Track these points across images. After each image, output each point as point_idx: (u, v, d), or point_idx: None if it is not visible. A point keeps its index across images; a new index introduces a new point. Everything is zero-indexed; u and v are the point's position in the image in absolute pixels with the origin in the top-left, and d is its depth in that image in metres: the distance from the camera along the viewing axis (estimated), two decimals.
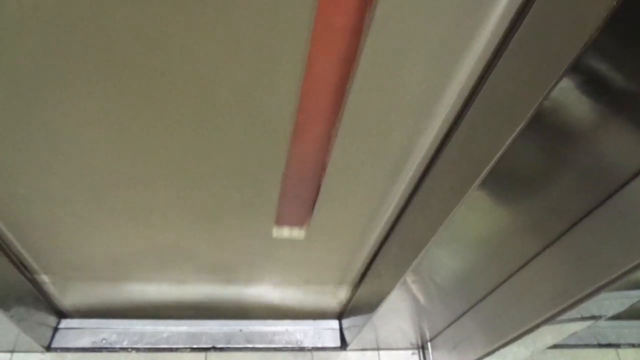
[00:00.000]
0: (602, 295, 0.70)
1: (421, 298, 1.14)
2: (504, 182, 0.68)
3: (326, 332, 1.49)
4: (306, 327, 1.48)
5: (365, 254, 1.14)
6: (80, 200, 0.85)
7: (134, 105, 0.65)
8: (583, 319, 0.81)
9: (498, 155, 0.60)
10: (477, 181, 0.65)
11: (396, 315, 1.25)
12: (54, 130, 0.69)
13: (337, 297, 1.38)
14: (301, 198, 0.91)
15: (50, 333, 1.32)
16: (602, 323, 0.83)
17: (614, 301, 0.77)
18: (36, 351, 1.30)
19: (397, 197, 0.91)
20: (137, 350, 1.36)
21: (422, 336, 1.45)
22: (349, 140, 0.74)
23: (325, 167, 0.80)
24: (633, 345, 1.63)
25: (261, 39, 0.56)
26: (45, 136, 0.70)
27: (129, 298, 1.28)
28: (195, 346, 1.38)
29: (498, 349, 1.01)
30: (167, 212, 0.91)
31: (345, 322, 1.49)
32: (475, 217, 0.78)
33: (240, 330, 1.43)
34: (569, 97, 0.52)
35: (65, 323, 1.35)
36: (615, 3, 0.41)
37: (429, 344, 1.47)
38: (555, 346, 1.43)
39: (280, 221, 0.97)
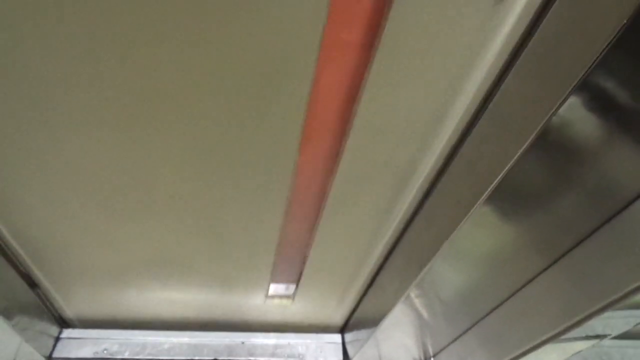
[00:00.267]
0: (608, 314, 0.69)
1: (425, 313, 1.14)
2: (510, 198, 0.68)
3: (328, 346, 1.48)
4: (308, 340, 1.47)
5: (370, 267, 1.14)
6: (84, 210, 0.85)
7: (138, 118, 0.66)
8: (588, 337, 0.80)
9: (504, 171, 0.60)
10: (483, 197, 0.65)
11: (399, 330, 1.24)
12: (59, 138, 0.69)
13: (339, 310, 1.37)
14: (305, 215, 0.91)
15: (52, 343, 1.31)
16: (607, 342, 0.82)
17: (620, 320, 0.76)
18: None
19: (403, 210, 0.91)
20: None
21: (425, 352, 1.43)
22: (356, 153, 0.74)
23: (332, 179, 0.80)
24: None
25: (270, 54, 0.57)
26: (51, 144, 0.70)
27: (131, 308, 1.28)
28: (196, 358, 1.37)
29: None
30: (170, 223, 0.91)
31: (348, 336, 1.48)
32: (481, 232, 0.78)
33: (242, 343, 1.42)
34: (577, 114, 0.52)
35: (67, 333, 1.35)
36: (625, 21, 0.41)
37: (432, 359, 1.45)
38: None
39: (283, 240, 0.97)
